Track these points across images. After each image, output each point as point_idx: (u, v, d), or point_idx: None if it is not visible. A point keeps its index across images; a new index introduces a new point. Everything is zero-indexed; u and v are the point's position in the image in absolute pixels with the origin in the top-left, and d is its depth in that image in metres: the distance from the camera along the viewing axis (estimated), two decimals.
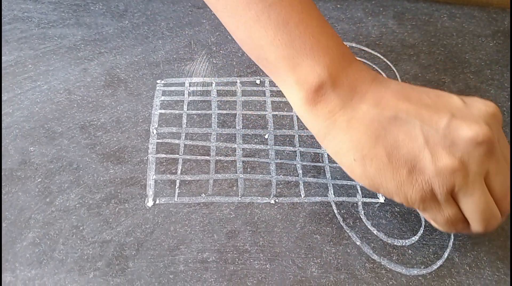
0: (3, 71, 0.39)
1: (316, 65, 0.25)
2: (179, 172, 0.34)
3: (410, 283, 0.29)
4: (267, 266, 0.30)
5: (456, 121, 0.24)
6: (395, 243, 0.31)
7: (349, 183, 0.34)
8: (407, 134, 0.24)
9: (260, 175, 0.34)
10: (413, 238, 0.31)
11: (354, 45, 0.43)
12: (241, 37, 0.28)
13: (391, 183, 0.25)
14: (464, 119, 0.24)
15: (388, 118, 0.25)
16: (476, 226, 0.26)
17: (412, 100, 0.25)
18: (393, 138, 0.24)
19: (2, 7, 0.44)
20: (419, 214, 0.33)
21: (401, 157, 0.24)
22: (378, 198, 0.33)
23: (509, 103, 0.40)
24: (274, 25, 0.25)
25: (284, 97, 0.39)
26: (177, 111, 0.37)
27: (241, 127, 0.37)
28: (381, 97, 0.25)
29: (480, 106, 0.25)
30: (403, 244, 0.31)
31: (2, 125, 0.36)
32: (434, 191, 0.24)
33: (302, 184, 0.34)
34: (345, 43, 0.44)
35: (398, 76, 0.41)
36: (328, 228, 0.32)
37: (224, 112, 0.38)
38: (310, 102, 0.25)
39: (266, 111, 0.38)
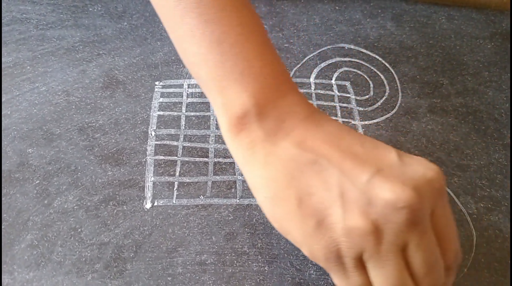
0: (1, 73, 0.39)
1: (243, 91, 0.23)
2: (177, 174, 0.34)
3: None
4: (266, 268, 0.30)
5: (380, 179, 0.20)
6: None
7: None
8: (323, 182, 0.22)
9: None
10: None
11: (352, 47, 0.44)
12: (177, 49, 0.26)
13: (298, 231, 0.22)
14: (390, 179, 0.20)
15: (307, 160, 0.22)
16: None
17: (340, 146, 0.22)
18: (308, 183, 0.22)
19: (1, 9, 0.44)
20: None
21: (311, 205, 0.22)
22: None
23: (507, 105, 0.40)
24: (207, 43, 0.23)
25: None
26: (175, 113, 0.37)
27: None
28: (307, 137, 0.23)
29: (418, 168, 0.21)
30: None
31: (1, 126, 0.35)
32: (341, 252, 0.21)
33: None
34: (343, 45, 0.44)
35: (396, 77, 0.41)
36: None
37: None
38: (233, 129, 0.24)
39: None
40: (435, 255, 0.22)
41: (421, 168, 0.21)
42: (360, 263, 0.22)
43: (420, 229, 0.21)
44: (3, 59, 0.40)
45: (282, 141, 0.23)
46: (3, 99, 0.37)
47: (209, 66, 0.24)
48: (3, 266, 0.29)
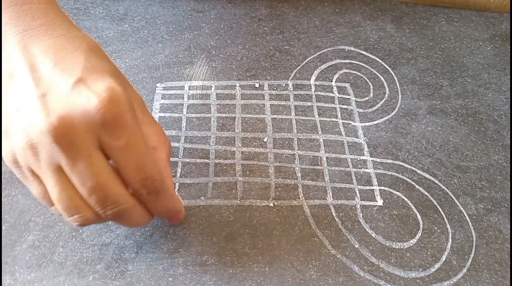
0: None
1: None
2: (178, 175, 0.34)
3: None
4: (266, 269, 0.30)
5: (39, 102, 0.22)
6: (393, 246, 0.31)
7: (347, 186, 0.34)
8: (13, 95, 0.23)
9: (259, 178, 0.34)
10: (411, 241, 0.32)
11: (352, 49, 0.44)
12: None
13: None
14: (48, 103, 0.22)
15: (9, 72, 0.24)
16: (61, 213, 0.24)
17: (35, 64, 0.23)
18: (6, 93, 0.24)
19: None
20: (417, 217, 0.33)
21: (4, 114, 0.23)
22: (377, 201, 0.33)
23: (507, 107, 0.40)
24: None
25: (283, 100, 0.39)
26: (176, 114, 0.37)
27: (240, 130, 0.37)
28: (16, 51, 0.24)
29: (83, 98, 0.22)
30: (401, 247, 0.31)
31: None
32: (18, 161, 0.23)
33: (301, 187, 0.34)
34: (343, 47, 0.44)
35: (396, 79, 0.42)
36: (326, 231, 0.32)
37: (223, 115, 0.38)
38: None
39: (265, 114, 0.38)
40: (94, 180, 0.23)
41: (83, 97, 0.22)
42: (32, 172, 0.23)
43: (68, 154, 0.22)
44: None
45: (12, 38, 0.24)
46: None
47: None
48: (5, 266, 0.29)
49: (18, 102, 0.23)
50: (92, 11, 0.45)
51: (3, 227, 0.31)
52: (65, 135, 0.22)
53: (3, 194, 0.32)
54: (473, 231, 0.32)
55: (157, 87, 0.39)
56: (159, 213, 0.27)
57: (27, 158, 0.23)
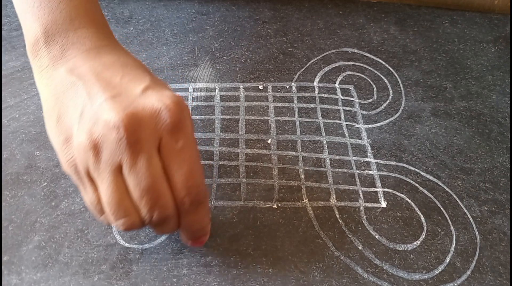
0: (10, 77, 0.39)
1: (36, 21, 0.26)
2: None
3: None
4: (270, 270, 0.30)
5: (109, 102, 0.23)
6: (397, 248, 0.31)
7: (351, 188, 0.34)
8: (74, 103, 0.24)
9: (263, 180, 0.34)
10: (415, 243, 0.32)
11: (356, 51, 0.44)
12: None
13: (56, 146, 0.25)
14: (118, 103, 0.23)
15: (70, 83, 0.24)
16: (109, 218, 0.24)
17: (101, 74, 0.24)
18: (66, 103, 0.24)
19: (10, 14, 0.45)
20: (421, 219, 0.33)
21: (64, 123, 0.24)
22: (380, 203, 0.33)
23: (510, 109, 0.40)
24: None
25: (287, 102, 0.39)
26: None
27: (244, 132, 0.37)
28: (80, 65, 0.25)
29: (150, 100, 0.23)
30: (405, 249, 0.31)
31: (9, 130, 0.36)
32: (78, 167, 0.24)
33: (305, 189, 0.34)
34: (347, 49, 0.44)
35: (400, 81, 0.42)
36: (330, 233, 0.32)
37: (227, 117, 0.38)
38: (30, 54, 0.27)
39: (269, 116, 0.38)
40: (150, 181, 0.23)
41: (153, 99, 0.23)
42: (90, 177, 0.24)
43: (132, 151, 0.22)
44: (11, 63, 0.40)
45: (60, 67, 0.25)
46: (11, 103, 0.38)
47: (17, 1, 0.28)
48: (11, 266, 0.29)
49: (82, 107, 0.23)
50: None
51: (9, 228, 0.31)
52: (133, 131, 0.22)
53: (9, 195, 0.32)
54: (477, 233, 0.32)
55: None
56: (191, 228, 0.27)
57: (87, 159, 0.23)
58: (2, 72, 0.40)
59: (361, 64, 0.43)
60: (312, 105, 0.39)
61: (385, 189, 0.34)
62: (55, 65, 0.25)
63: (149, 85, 0.24)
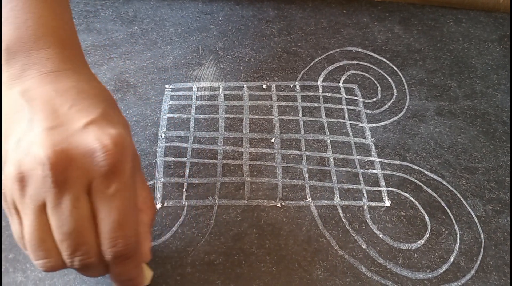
0: None
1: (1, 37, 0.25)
2: (186, 175, 0.34)
3: None
4: (273, 268, 0.30)
5: (43, 135, 0.21)
6: (401, 247, 0.31)
7: (355, 187, 0.34)
8: (17, 127, 0.23)
9: (267, 179, 0.34)
10: (419, 242, 0.32)
11: (360, 50, 0.44)
12: None
13: None
14: (52, 137, 0.21)
15: (19, 105, 0.23)
16: (30, 256, 0.23)
17: (50, 102, 0.23)
18: (11, 126, 0.23)
19: None
20: (425, 218, 0.33)
21: (4, 146, 0.23)
22: (384, 202, 0.33)
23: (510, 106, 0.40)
24: None
25: (291, 101, 0.39)
26: (185, 115, 0.38)
27: (247, 131, 0.37)
28: (34, 88, 0.24)
29: (85, 138, 0.22)
30: (409, 248, 0.31)
31: None
32: (6, 195, 0.22)
33: (308, 188, 0.34)
34: (351, 48, 0.44)
35: (404, 80, 0.41)
36: (334, 232, 0.32)
37: (231, 116, 0.38)
38: None
39: (273, 115, 0.38)
40: (72, 224, 0.22)
41: (91, 137, 0.22)
42: (15, 209, 0.22)
43: (58, 191, 0.21)
44: None
45: (16, 87, 0.24)
46: None
47: None
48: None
49: (22, 133, 0.22)
50: (102, 13, 0.46)
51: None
52: (61, 170, 0.21)
53: None
54: (481, 232, 0.32)
55: (165, 88, 0.40)
56: (117, 278, 0.25)
57: (13, 191, 0.22)
58: None
59: (365, 63, 0.43)
60: (316, 104, 0.39)
61: (389, 188, 0.34)
62: (11, 84, 0.24)
63: (94, 119, 0.23)
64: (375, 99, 0.40)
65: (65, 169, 0.21)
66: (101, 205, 0.22)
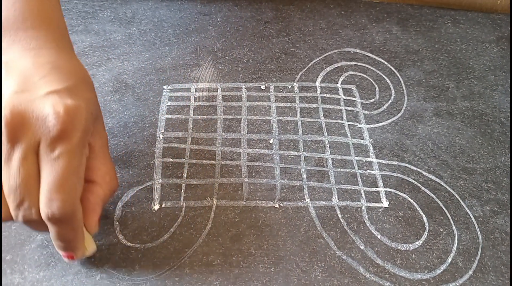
0: None
1: None
2: (185, 176, 0.34)
3: None
4: (272, 269, 0.30)
5: (9, 96, 0.24)
6: (399, 248, 0.31)
7: (353, 188, 0.34)
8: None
9: (265, 180, 0.34)
10: (417, 242, 0.32)
11: (358, 51, 0.44)
12: None
13: None
14: (16, 99, 0.23)
15: (1, 74, 0.25)
16: None
17: (27, 71, 0.25)
18: None
19: None
20: (423, 219, 0.33)
21: None
22: (382, 202, 0.33)
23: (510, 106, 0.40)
24: None
25: (289, 102, 0.39)
26: (183, 116, 0.38)
27: (246, 132, 0.37)
28: (16, 60, 0.25)
29: (43, 105, 0.24)
30: (407, 249, 0.31)
31: None
32: None
33: (306, 189, 0.34)
34: (349, 49, 0.44)
35: (402, 81, 0.42)
36: (332, 232, 0.32)
37: (230, 117, 0.38)
38: None
39: (271, 116, 0.38)
40: (17, 180, 0.23)
41: (47, 104, 0.23)
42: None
43: (9, 147, 0.23)
44: None
45: (23, 52, 0.26)
46: None
47: None
48: (14, 265, 0.29)
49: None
50: (100, 14, 0.46)
51: (12, 227, 0.31)
52: (14, 128, 0.23)
53: None
54: (479, 233, 0.32)
55: (164, 89, 0.40)
56: (53, 238, 0.26)
57: None
58: None
59: (363, 64, 0.43)
60: (314, 105, 0.39)
61: (387, 189, 0.34)
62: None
63: (58, 90, 0.24)
64: (373, 100, 0.40)
65: (18, 129, 0.23)
66: (44, 166, 0.23)
